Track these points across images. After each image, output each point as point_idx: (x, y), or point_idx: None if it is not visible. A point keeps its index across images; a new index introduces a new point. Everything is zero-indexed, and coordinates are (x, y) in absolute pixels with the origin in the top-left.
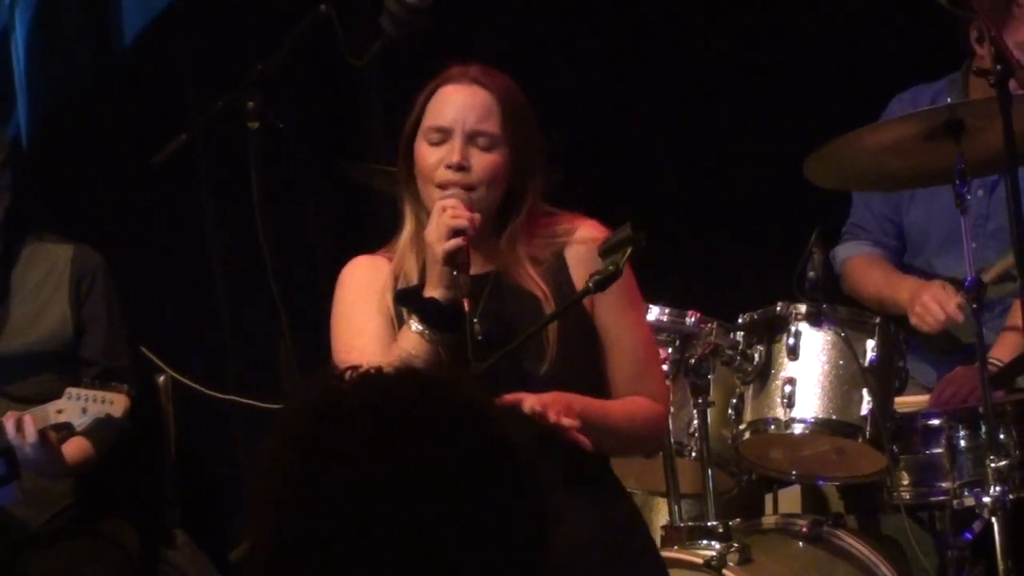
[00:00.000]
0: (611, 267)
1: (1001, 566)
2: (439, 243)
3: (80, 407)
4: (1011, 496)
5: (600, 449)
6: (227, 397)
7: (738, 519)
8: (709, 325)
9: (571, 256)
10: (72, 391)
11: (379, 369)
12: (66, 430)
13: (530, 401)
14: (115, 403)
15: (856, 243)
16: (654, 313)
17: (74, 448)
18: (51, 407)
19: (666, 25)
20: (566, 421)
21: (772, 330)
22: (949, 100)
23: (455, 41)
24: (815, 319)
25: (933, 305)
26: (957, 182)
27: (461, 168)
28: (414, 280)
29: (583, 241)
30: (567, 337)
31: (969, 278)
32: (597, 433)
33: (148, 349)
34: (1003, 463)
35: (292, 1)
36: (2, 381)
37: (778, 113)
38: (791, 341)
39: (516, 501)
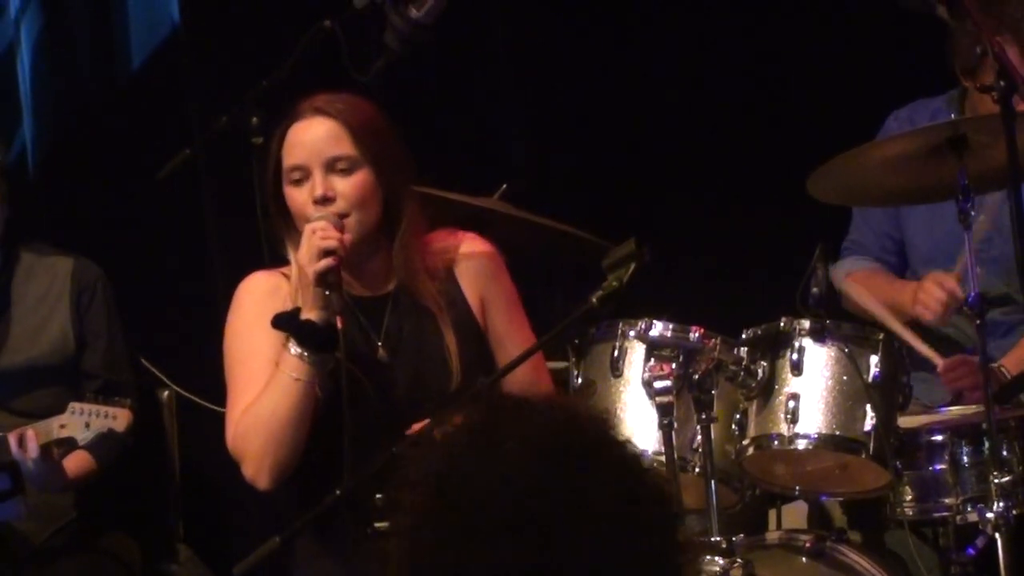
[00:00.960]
0: (615, 283)
1: None
2: (310, 264)
3: (83, 422)
4: (1014, 512)
5: None
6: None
7: (741, 535)
8: (713, 341)
9: (461, 271)
10: (75, 406)
11: (525, 401)
12: (69, 445)
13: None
14: (118, 418)
15: (856, 259)
16: (657, 329)
17: (76, 462)
18: (54, 421)
19: (671, 42)
20: None
21: (776, 346)
22: (952, 116)
23: (459, 56)
24: (819, 335)
25: (934, 288)
26: (960, 198)
27: (327, 200)
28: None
29: (470, 255)
30: (468, 351)
31: (972, 294)
32: None
33: (151, 364)
34: (1006, 479)
35: (298, 18)
36: (4, 395)
37: (782, 129)
38: (795, 357)
39: (663, 531)
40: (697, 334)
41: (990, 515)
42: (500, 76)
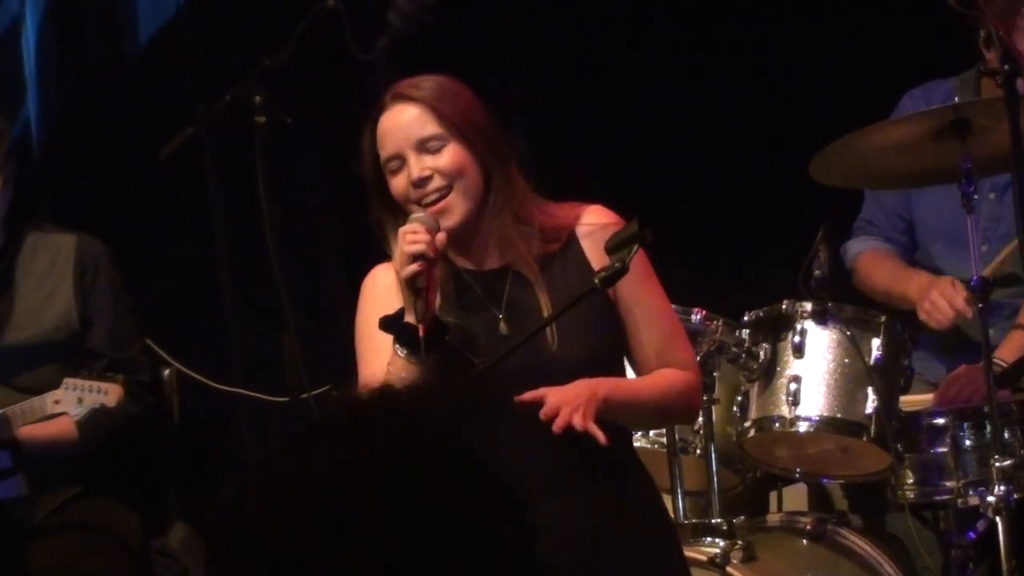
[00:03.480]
0: (617, 264)
1: (1005, 566)
2: (400, 269)
3: (76, 397)
4: (1015, 495)
5: (635, 427)
6: (232, 389)
7: (742, 517)
8: (715, 323)
9: (585, 240)
10: (69, 381)
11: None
12: None
13: (544, 410)
14: (109, 393)
15: (867, 238)
16: None
17: (58, 427)
18: (48, 397)
19: (673, 22)
20: (576, 422)
21: (778, 328)
22: (956, 99)
23: (462, 36)
24: (821, 317)
25: (942, 302)
26: (963, 182)
27: (424, 181)
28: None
29: (595, 225)
30: (590, 320)
31: (975, 278)
32: (627, 413)
33: (154, 343)
34: (1008, 462)
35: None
36: (7, 372)
37: (785, 111)
38: (796, 339)
39: (490, 523)
40: (699, 316)
41: (991, 499)
42: (505, 54)
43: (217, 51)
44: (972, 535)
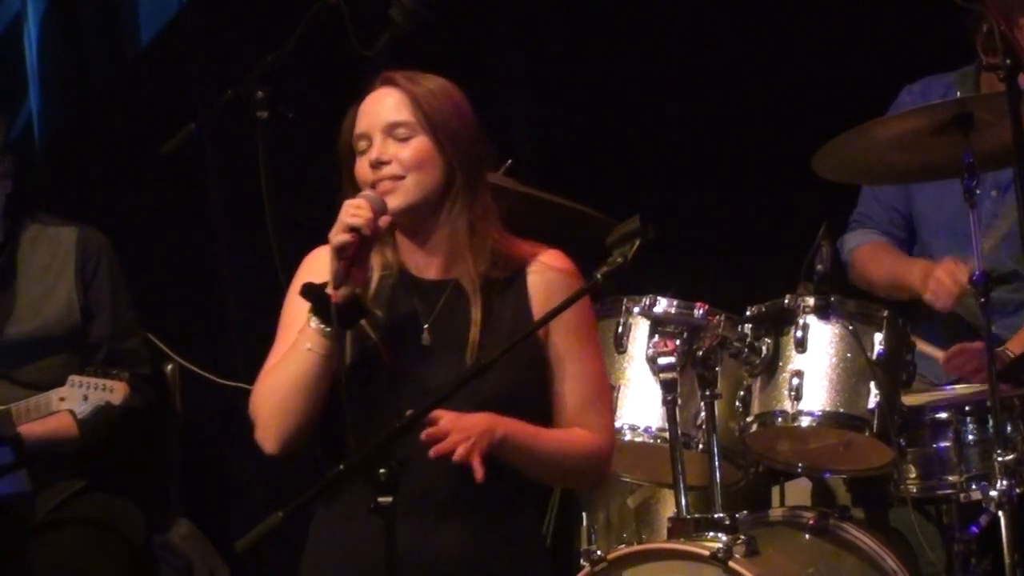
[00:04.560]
0: (619, 259)
1: (1007, 560)
2: (333, 236)
3: (82, 394)
4: (1018, 490)
5: (530, 476)
6: (234, 384)
7: (745, 511)
8: (717, 317)
9: (534, 279)
10: (75, 378)
11: None
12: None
13: (431, 430)
14: (115, 391)
15: (863, 232)
16: (662, 305)
17: (57, 422)
18: (54, 394)
19: (675, 17)
20: (458, 452)
21: (780, 322)
22: (958, 94)
23: (465, 32)
24: (823, 312)
25: (946, 279)
26: (966, 177)
27: (381, 163)
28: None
29: (548, 267)
30: (516, 360)
31: (976, 272)
32: (525, 459)
33: (156, 338)
34: (1010, 457)
35: None
36: (9, 366)
37: (787, 106)
38: (799, 334)
39: None
40: (701, 310)
41: (993, 493)
42: (506, 51)
43: (219, 47)
44: (975, 529)
